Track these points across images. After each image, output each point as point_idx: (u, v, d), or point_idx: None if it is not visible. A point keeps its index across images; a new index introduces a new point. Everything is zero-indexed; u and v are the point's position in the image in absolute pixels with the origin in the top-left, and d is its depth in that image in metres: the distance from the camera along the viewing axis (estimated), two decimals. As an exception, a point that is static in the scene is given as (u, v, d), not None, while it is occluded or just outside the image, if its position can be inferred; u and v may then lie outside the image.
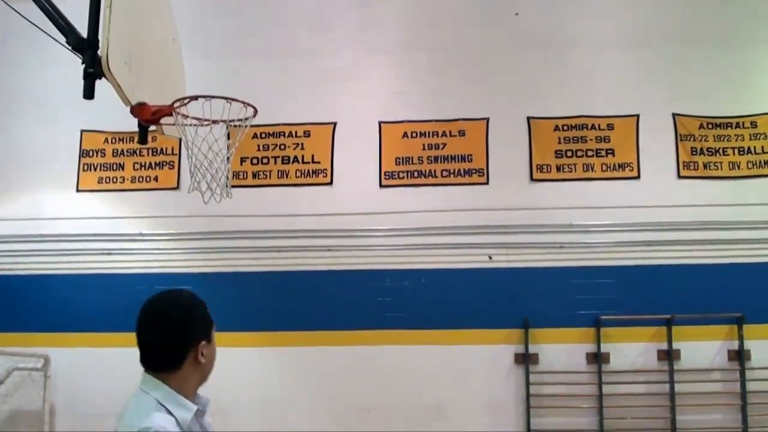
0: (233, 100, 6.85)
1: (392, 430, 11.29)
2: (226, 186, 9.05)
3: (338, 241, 11.62)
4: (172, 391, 3.00)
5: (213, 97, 6.74)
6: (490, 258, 11.64)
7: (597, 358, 11.46)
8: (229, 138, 9.33)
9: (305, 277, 11.63)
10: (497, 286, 11.59)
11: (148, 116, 7.05)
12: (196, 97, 6.79)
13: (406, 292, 11.63)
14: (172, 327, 2.89)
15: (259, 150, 11.61)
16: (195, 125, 7.08)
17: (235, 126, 7.07)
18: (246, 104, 6.96)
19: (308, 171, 11.64)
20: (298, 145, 11.65)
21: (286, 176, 11.63)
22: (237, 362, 11.36)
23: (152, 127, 7.39)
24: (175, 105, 6.84)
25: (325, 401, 11.51)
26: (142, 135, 7.68)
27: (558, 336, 11.55)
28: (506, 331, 11.51)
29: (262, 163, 11.68)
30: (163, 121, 7.24)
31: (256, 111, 7.01)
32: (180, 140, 9.71)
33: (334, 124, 11.80)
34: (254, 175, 11.69)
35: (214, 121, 6.92)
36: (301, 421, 11.41)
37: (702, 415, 11.33)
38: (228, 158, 9.06)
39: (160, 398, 2.96)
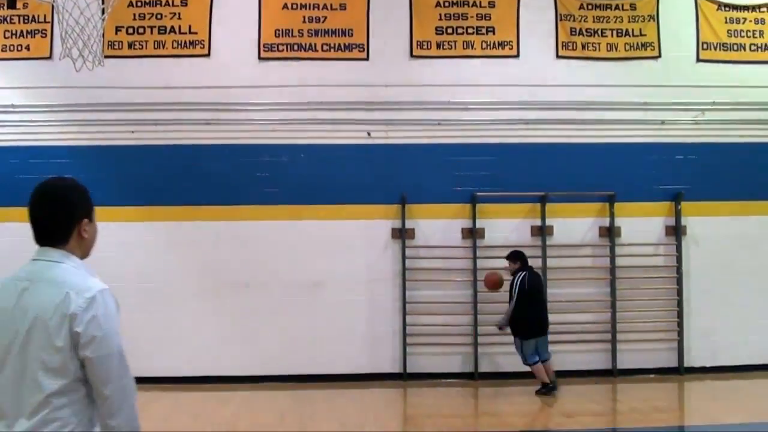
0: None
1: (272, 304, 11.80)
2: (99, 54, 9.27)
3: (216, 114, 11.80)
4: (79, 260, 3.34)
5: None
6: (368, 134, 12.01)
7: (472, 234, 12.08)
8: (103, 3, 9.54)
9: (182, 151, 11.81)
10: (375, 162, 11.99)
11: None
12: None
13: (284, 168, 11.96)
14: (60, 203, 3.20)
15: (135, 19, 11.68)
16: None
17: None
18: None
19: (185, 42, 11.76)
20: (174, 14, 11.72)
21: (163, 47, 11.76)
22: (115, 237, 11.62)
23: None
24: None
25: (204, 276, 11.84)
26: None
27: (434, 211, 12.08)
28: (384, 206, 11.98)
29: (138, 33, 11.78)
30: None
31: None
32: (52, 5, 9.88)
33: None
34: (130, 45, 11.80)
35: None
36: (181, 294, 11.76)
37: (574, 288, 12.09)
38: (101, 21, 9.26)
39: (75, 266, 3.29)
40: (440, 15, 12.12)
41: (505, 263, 11.38)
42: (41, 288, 3.05)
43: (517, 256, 10.96)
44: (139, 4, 11.71)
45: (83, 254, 3.26)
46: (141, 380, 9.52)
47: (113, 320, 3.06)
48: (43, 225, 3.18)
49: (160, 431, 8.30)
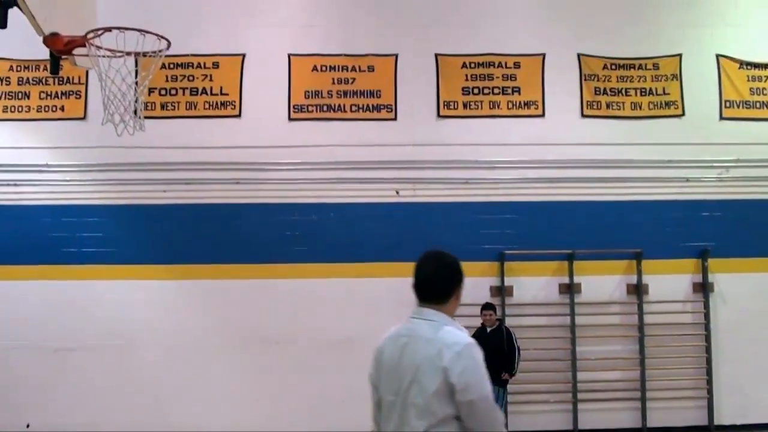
0: (146, 32, 7.37)
1: (302, 361, 12.12)
2: (139, 118, 9.80)
3: (246, 174, 12.24)
4: (450, 318, 3.96)
5: (127, 29, 7.10)
6: (397, 193, 12.46)
7: (501, 291, 12.38)
8: (137, 69, 10.12)
9: (213, 210, 12.22)
10: (404, 220, 12.36)
11: (61, 47, 7.41)
12: (110, 29, 7.17)
13: (314, 226, 12.35)
14: (448, 267, 3.90)
15: (167, 81, 12.26)
16: (108, 56, 7.66)
17: (149, 56, 7.75)
18: (160, 37, 7.48)
19: (217, 103, 12.33)
20: (206, 76, 12.30)
21: (195, 108, 12.32)
22: (146, 294, 11.95)
23: (64, 57, 8.01)
24: (89, 36, 7.22)
25: (234, 333, 12.15)
26: (54, 65, 8.05)
27: (464, 270, 12.50)
28: (412, 264, 12.39)
29: (171, 95, 12.36)
30: (75, 51, 7.90)
31: (169, 43, 7.56)
32: (87, 70, 10.42)
33: (243, 55, 12.38)
34: (162, 107, 12.35)
35: (128, 53, 7.35)
36: (211, 352, 12.07)
37: (602, 346, 12.42)
38: (139, 89, 9.82)
39: (447, 323, 3.93)
40: (466, 76, 12.65)
41: (534, 321, 11.80)
42: (419, 343, 3.73)
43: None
44: (171, 66, 12.26)
45: (452, 313, 3.89)
46: None
47: (480, 369, 3.76)
48: (428, 285, 3.81)
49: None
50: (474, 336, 9.35)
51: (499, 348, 10.92)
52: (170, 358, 12.04)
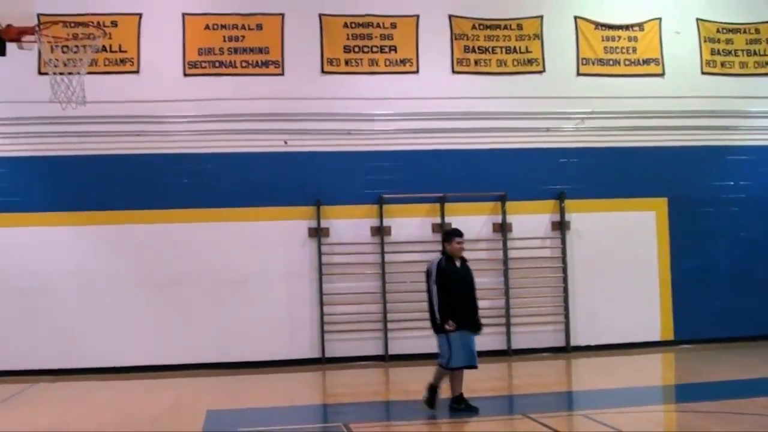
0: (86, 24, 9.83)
1: (202, 299, 14.24)
2: (81, 96, 11.86)
3: (145, 126, 14.10)
4: None
5: (71, 23, 9.55)
6: (285, 143, 14.61)
7: (380, 231, 14.76)
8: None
9: (113, 161, 14.10)
10: (292, 168, 14.52)
11: (14, 35, 9.93)
12: (56, 22, 9.85)
13: (208, 175, 14.38)
14: None
15: (69, 39, 14.33)
16: (52, 44, 10.05)
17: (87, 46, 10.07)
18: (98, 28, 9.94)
19: (116, 59, 14.43)
20: (106, 34, 14.34)
21: (96, 64, 14.38)
22: (51, 240, 13.83)
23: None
24: (39, 28, 9.69)
25: (135, 276, 14.11)
26: (2, 48, 10.49)
27: (346, 212, 14.62)
28: (301, 208, 14.50)
29: (72, 52, 14.39)
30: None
31: (104, 34, 9.94)
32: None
33: (140, 15, 14.29)
34: (65, 63, 14.43)
35: (67, 40, 9.87)
36: (114, 294, 14.01)
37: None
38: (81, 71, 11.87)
39: None
40: (348, 35, 14.83)
41: (409, 257, 14.51)
42: None
43: None
44: (73, 24, 14.30)
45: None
46: (83, 371, 12.67)
47: None
48: None
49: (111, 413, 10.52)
50: (443, 270, 9.57)
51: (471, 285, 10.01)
52: (82, 299, 13.98)
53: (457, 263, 9.85)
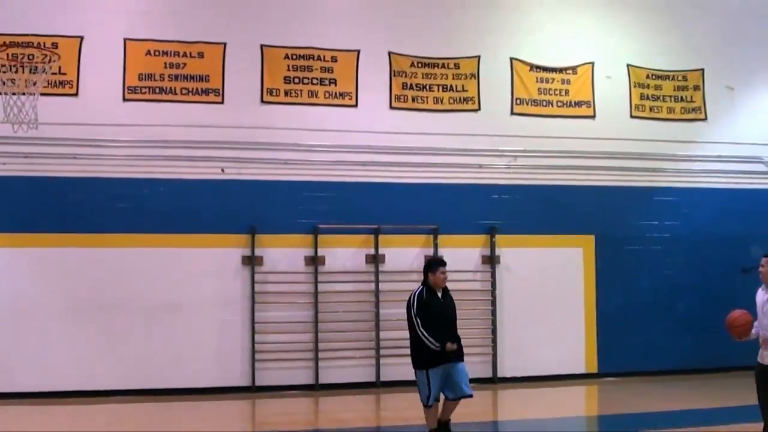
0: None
1: (134, 325, 14.33)
2: (33, 120, 11.97)
3: (83, 149, 14.14)
4: None
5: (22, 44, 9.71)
6: (222, 170, 14.81)
7: (314, 261, 15.06)
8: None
9: (48, 183, 14.13)
10: (228, 195, 14.74)
11: None
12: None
13: (144, 200, 14.48)
14: None
15: (8, 59, 14.38)
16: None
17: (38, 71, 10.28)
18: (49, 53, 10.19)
19: (56, 82, 14.41)
20: (45, 56, 14.53)
21: (34, 85, 14.50)
22: None
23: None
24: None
25: (67, 300, 14.11)
26: None
27: (281, 241, 14.89)
28: (235, 236, 14.71)
29: (11, 71, 14.49)
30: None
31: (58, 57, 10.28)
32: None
33: (81, 37, 14.41)
34: (2, 83, 14.49)
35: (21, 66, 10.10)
36: (44, 318, 14.00)
37: (402, 309, 15.39)
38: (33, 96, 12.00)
39: None
40: (288, 66, 15.15)
41: (343, 287, 14.90)
42: None
43: None
44: (11, 44, 14.39)
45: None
46: (12, 395, 12.75)
47: None
48: None
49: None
50: (424, 302, 9.72)
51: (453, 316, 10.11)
52: (11, 322, 13.97)
53: (439, 293, 9.89)
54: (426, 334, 9.47)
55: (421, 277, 15.25)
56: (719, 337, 14.64)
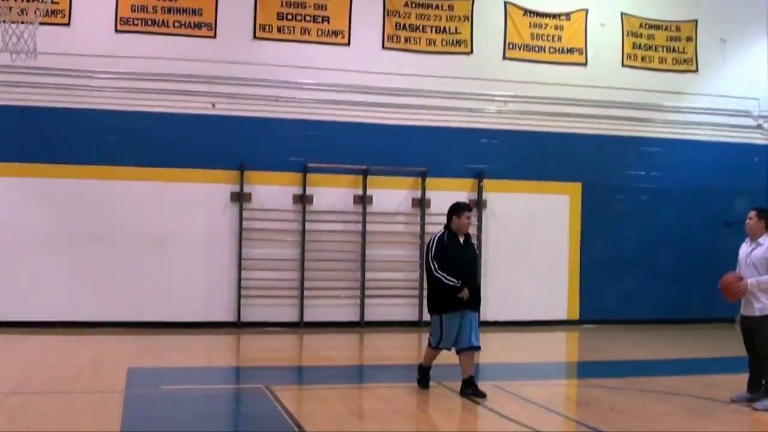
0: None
1: (120, 256, 14.44)
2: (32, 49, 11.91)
3: (75, 80, 14.15)
4: None
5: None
6: (213, 106, 14.85)
7: (302, 200, 15.14)
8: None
9: (38, 113, 14.09)
10: (218, 131, 14.76)
11: None
12: None
13: (134, 133, 14.49)
14: None
15: (-3, -14, 14.35)
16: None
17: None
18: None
19: (48, 11, 14.41)
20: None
21: (25, 14, 14.43)
22: None
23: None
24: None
25: (55, 231, 14.21)
26: None
27: (269, 178, 14.97)
28: (224, 171, 14.78)
29: (3, 0, 14.42)
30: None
31: None
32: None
33: None
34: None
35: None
36: (33, 248, 14.10)
37: (387, 251, 15.61)
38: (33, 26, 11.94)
39: None
40: (281, 2, 15.10)
41: (330, 227, 15.06)
42: None
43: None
44: (3, -28, 14.32)
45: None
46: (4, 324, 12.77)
47: None
48: None
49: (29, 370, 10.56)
50: (444, 246, 9.16)
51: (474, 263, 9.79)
52: (5, 251, 14.10)
53: (461, 239, 9.35)
54: (443, 274, 9.10)
55: (409, 219, 15.91)
56: (701, 288, 15.19)
